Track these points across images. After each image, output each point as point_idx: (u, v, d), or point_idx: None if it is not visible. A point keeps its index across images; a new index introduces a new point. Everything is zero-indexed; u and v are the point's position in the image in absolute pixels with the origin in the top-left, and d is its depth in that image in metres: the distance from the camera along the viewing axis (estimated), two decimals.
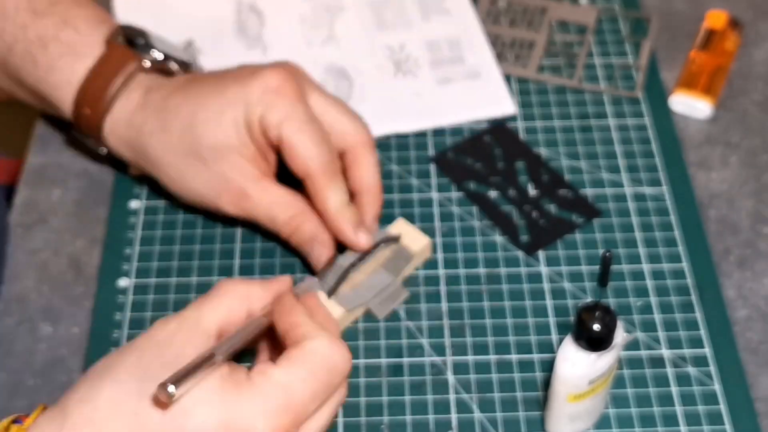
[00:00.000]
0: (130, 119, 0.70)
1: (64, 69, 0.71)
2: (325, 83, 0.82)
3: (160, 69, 0.72)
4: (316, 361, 0.54)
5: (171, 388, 0.50)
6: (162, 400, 0.50)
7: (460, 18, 0.87)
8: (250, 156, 0.68)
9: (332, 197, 0.67)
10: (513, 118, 0.80)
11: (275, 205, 0.68)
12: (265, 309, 0.57)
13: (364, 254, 0.68)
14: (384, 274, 0.69)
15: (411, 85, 0.83)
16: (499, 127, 0.79)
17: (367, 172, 0.70)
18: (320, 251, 0.68)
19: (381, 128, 0.79)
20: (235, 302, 0.56)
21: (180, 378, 0.50)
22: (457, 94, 0.82)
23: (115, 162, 0.77)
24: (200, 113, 0.68)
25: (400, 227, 0.71)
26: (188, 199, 0.71)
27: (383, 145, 0.79)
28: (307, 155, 0.66)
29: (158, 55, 0.72)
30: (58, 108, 0.72)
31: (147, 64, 0.71)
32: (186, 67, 0.74)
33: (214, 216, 0.74)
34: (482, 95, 0.82)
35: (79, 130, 0.73)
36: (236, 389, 0.52)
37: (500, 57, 0.85)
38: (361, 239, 0.67)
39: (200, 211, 0.73)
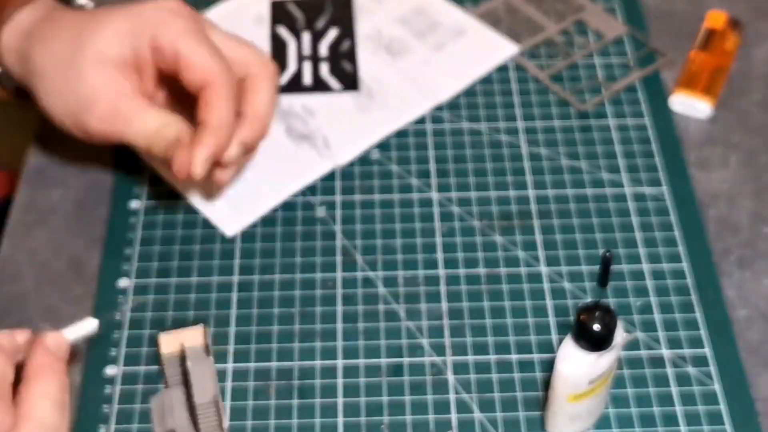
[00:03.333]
0: (28, 30, 0.69)
1: None
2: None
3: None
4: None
5: None
6: None
7: None
8: (128, 72, 0.67)
9: (223, 108, 0.65)
10: (513, 118, 0.80)
11: (147, 124, 0.66)
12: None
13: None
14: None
15: (413, 60, 0.84)
16: None
17: (262, 99, 0.68)
18: (183, 155, 0.65)
19: (424, 106, 0.80)
20: None
21: None
22: (458, 53, 0.84)
23: (115, 161, 0.77)
24: (89, 23, 0.67)
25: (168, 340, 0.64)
26: (57, 116, 0.68)
27: (383, 145, 0.79)
28: (205, 65, 0.65)
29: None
30: None
31: None
32: None
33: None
34: (481, 47, 0.84)
35: None
36: None
37: (496, 24, 0.86)
38: (197, 167, 0.65)
39: (200, 211, 0.73)
